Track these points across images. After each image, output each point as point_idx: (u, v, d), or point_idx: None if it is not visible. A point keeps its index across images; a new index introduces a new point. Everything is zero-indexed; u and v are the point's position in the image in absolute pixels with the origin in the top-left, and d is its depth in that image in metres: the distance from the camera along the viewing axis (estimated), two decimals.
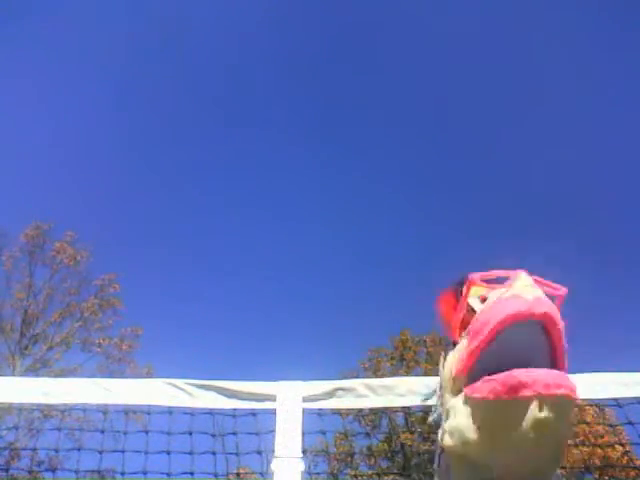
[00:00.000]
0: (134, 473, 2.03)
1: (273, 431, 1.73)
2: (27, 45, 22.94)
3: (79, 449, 2.27)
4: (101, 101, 27.21)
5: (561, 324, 0.76)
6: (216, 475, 2.05)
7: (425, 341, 17.15)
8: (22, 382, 2.16)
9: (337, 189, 28.53)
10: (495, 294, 0.80)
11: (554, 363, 0.76)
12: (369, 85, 28.46)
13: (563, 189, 26.61)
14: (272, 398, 1.82)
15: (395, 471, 14.29)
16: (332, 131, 28.67)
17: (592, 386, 1.94)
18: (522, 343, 0.73)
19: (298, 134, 28.89)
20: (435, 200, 27.57)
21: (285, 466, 1.62)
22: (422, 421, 15.21)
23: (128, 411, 2.20)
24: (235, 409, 1.93)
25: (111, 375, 14.19)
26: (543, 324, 0.73)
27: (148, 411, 2.06)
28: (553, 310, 0.75)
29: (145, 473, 2.00)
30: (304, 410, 1.76)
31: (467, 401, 0.75)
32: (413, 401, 1.94)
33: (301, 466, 1.63)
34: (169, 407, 1.95)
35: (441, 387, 0.88)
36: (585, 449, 11.93)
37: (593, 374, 1.96)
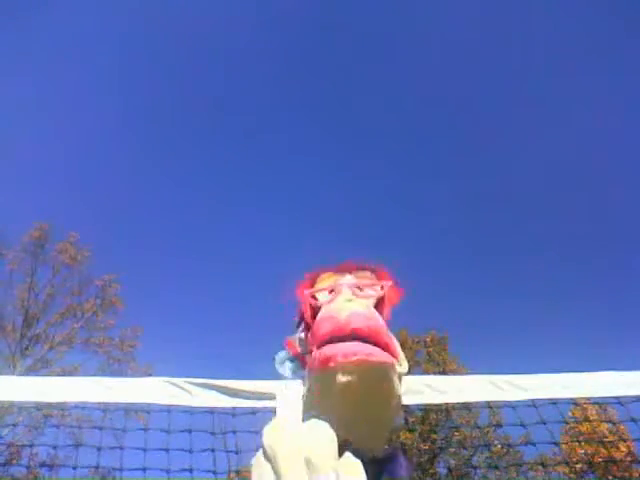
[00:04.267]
0: (133, 470, 2.03)
1: None
2: (27, 44, 22.95)
3: (78, 447, 2.27)
4: (102, 102, 27.22)
5: (373, 328, 0.87)
6: (215, 473, 2.05)
7: (425, 341, 17.16)
8: (22, 381, 2.16)
9: (343, 189, 28.53)
10: (325, 305, 0.94)
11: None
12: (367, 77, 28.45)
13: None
14: (272, 396, 1.82)
15: None
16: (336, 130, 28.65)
17: (594, 385, 1.93)
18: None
19: (300, 137, 28.87)
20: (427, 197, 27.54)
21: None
22: (422, 421, 15.22)
23: (128, 409, 2.20)
24: (235, 408, 1.93)
25: (112, 375, 14.18)
26: (355, 336, 0.86)
27: (147, 409, 2.06)
28: (360, 321, 0.87)
29: (144, 471, 2.00)
30: None
31: (308, 373, 0.95)
32: (413, 400, 1.94)
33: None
34: (168, 405, 1.94)
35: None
36: (588, 448, 11.92)
37: (595, 373, 1.96)
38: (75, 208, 23.23)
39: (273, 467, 0.78)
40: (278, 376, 1.85)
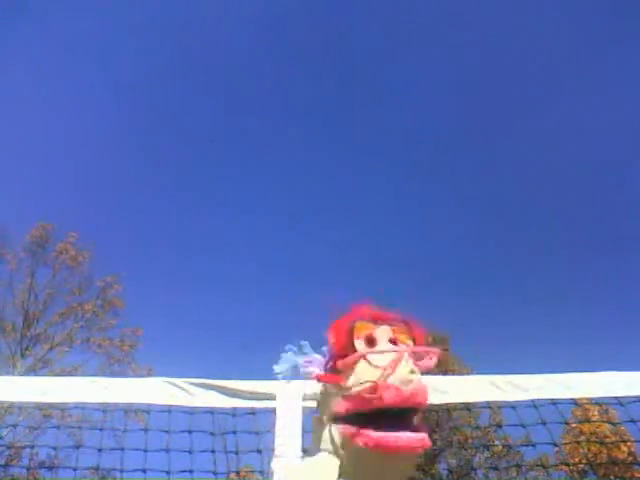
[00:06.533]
0: (134, 471, 2.03)
1: (273, 430, 1.72)
2: (27, 41, 22.97)
3: (78, 447, 2.27)
4: (104, 101, 27.25)
5: (426, 403, 0.94)
6: (215, 474, 2.05)
7: (427, 341, 17.16)
8: (22, 381, 2.17)
9: (340, 186, 28.57)
10: (377, 362, 0.95)
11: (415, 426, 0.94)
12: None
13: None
14: (272, 397, 1.82)
15: None
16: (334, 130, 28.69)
17: (594, 385, 1.93)
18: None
19: (301, 139, 28.90)
20: (431, 198, 27.56)
21: (285, 465, 1.62)
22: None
23: (128, 410, 2.20)
24: (235, 408, 1.93)
25: (112, 375, 14.18)
26: (414, 410, 0.94)
27: (147, 410, 2.06)
28: (423, 396, 0.93)
29: (144, 471, 1.99)
30: (304, 409, 1.75)
31: (343, 438, 0.97)
32: None
33: None
34: (168, 406, 1.94)
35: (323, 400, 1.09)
36: (591, 448, 11.90)
37: (595, 373, 1.95)
38: (76, 208, 23.23)
39: None
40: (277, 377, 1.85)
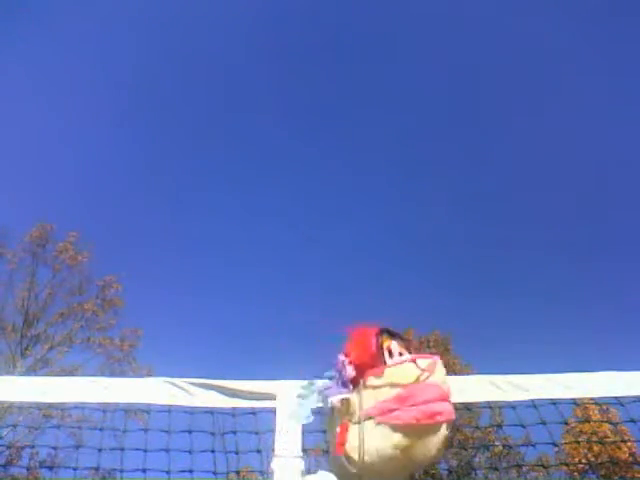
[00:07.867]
0: (134, 471, 2.03)
1: (273, 430, 1.72)
2: (30, 42, 22.97)
3: (78, 447, 2.27)
4: (104, 102, 27.27)
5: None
6: (215, 473, 2.05)
7: (429, 341, 17.16)
8: (22, 381, 2.16)
9: (340, 186, 28.56)
10: (412, 370, 1.11)
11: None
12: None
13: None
14: (272, 397, 1.82)
15: None
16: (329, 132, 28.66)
17: (594, 385, 1.93)
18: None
19: (297, 131, 28.88)
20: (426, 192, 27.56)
21: (285, 465, 1.62)
22: None
23: (128, 410, 2.20)
24: (235, 408, 1.93)
25: (112, 376, 14.16)
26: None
27: (147, 409, 2.06)
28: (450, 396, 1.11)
29: (144, 471, 2.00)
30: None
31: (381, 426, 1.07)
32: None
33: (301, 465, 1.62)
34: (168, 406, 1.94)
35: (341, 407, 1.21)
36: (592, 448, 11.88)
37: (595, 373, 1.95)
38: (76, 208, 23.25)
39: None
40: (277, 376, 1.86)
